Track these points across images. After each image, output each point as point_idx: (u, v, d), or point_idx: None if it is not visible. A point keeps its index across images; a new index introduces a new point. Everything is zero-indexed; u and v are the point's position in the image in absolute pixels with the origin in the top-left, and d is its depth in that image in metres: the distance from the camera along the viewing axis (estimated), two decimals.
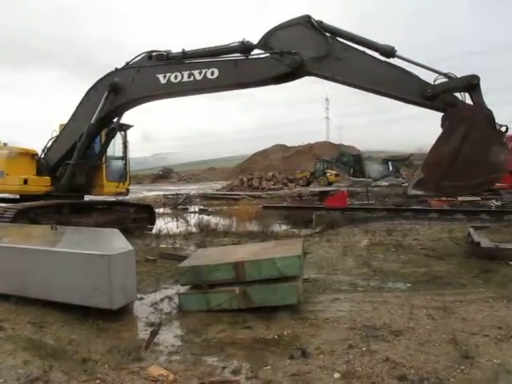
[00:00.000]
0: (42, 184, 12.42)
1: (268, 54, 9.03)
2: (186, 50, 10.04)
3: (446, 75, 7.49)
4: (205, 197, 29.74)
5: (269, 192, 31.50)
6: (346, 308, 5.72)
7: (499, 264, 7.75)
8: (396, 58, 8.04)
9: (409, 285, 6.79)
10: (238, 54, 9.46)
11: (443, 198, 17.15)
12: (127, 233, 12.49)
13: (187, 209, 24.39)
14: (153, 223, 15.14)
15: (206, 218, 21.45)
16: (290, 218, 18.75)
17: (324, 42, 8.29)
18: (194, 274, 5.84)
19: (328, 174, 42.51)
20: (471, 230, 9.74)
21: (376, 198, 24.65)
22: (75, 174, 12.08)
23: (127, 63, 10.82)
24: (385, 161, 43.35)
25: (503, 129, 6.78)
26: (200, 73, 9.50)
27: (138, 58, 10.65)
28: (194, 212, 23.50)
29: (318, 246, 10.38)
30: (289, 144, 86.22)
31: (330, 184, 40.97)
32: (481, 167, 6.64)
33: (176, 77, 9.72)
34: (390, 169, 40.89)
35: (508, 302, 5.81)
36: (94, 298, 5.38)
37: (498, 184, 20.53)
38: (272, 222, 18.71)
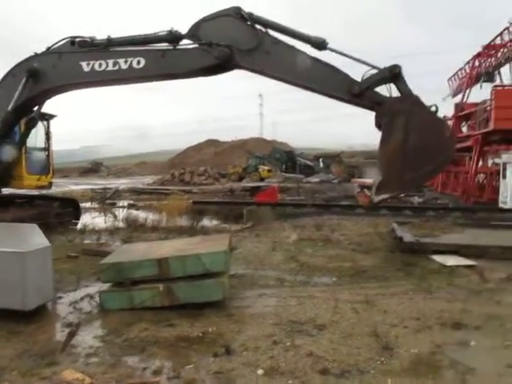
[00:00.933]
0: None
1: (197, 45, 8.74)
2: (112, 37, 9.50)
3: (374, 67, 7.57)
4: (134, 191, 28.86)
5: (200, 187, 31.16)
6: (272, 303, 5.66)
7: (420, 257, 8.06)
8: (328, 51, 8.02)
9: (334, 279, 6.87)
10: (167, 44, 9.09)
11: (368, 194, 17.78)
12: (50, 228, 11.89)
13: (115, 203, 23.51)
14: (78, 218, 14.41)
15: (134, 212, 20.87)
16: (220, 214, 18.63)
17: (254, 34, 8.13)
18: (116, 270, 5.53)
19: (260, 170, 42.75)
20: (395, 225, 10.09)
21: (306, 194, 25.17)
22: None
23: (48, 48, 10.09)
24: (316, 158, 44.30)
25: (433, 108, 6.96)
26: (125, 62, 9.02)
27: (60, 43, 9.93)
28: (123, 207, 22.69)
29: (247, 241, 10.30)
30: (222, 139, 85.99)
31: (262, 180, 41.26)
32: (433, 149, 6.70)
33: (100, 65, 9.15)
34: (321, 165, 41.88)
35: (426, 293, 6.03)
36: (6, 299, 4.95)
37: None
38: (202, 218, 18.58)
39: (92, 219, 15.61)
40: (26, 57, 10.36)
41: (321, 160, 42.47)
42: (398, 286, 6.38)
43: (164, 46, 9.04)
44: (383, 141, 6.93)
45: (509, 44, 29.26)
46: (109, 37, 9.39)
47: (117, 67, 8.94)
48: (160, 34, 9.07)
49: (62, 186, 35.13)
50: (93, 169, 77.84)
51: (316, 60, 8.02)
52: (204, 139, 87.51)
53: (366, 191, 18.69)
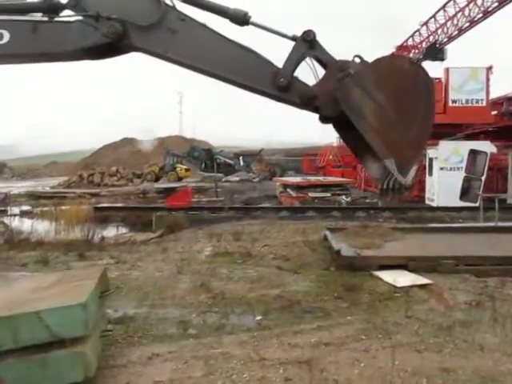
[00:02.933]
0: None
1: (80, 18, 6.38)
2: None
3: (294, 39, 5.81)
4: (33, 195, 25.33)
5: (110, 189, 28.15)
6: (166, 373, 3.70)
7: (363, 276, 6.47)
8: (251, 26, 6.04)
9: (259, 318, 5.01)
10: (41, 15, 6.64)
11: (294, 195, 16.31)
12: None
13: (6, 211, 20.13)
14: None
15: (27, 222, 17.94)
16: (128, 220, 16.21)
17: (155, 6, 6.01)
18: None
19: (178, 169, 40.35)
20: (327, 233, 8.49)
21: (226, 195, 23.32)
22: None
23: None
24: (236, 156, 42.67)
25: (357, 60, 5.35)
26: None
27: None
28: (14, 214, 19.43)
29: (150, 260, 8.20)
30: (139, 138, 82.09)
31: (180, 179, 38.89)
32: (411, 95, 5.04)
33: None
34: (241, 164, 40.28)
35: (384, 337, 4.36)
36: None
37: (345, 179, 20.66)
38: (106, 226, 16.10)
39: None
40: None
41: (241, 158, 40.82)
42: (345, 326, 4.66)
43: (38, 17, 6.68)
44: (359, 121, 5.07)
45: (419, 45, 29.82)
46: None
47: None
48: (33, 0, 6.69)
49: None
50: None
51: (233, 43, 6.06)
52: (120, 138, 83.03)
53: (290, 191, 17.29)
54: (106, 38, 6.15)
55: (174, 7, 6.16)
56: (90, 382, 3.36)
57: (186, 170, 41.44)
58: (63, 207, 16.96)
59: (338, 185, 17.08)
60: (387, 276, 6.35)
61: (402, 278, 6.19)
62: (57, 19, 6.61)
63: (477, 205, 15.56)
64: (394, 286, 5.93)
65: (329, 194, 15.84)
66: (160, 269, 7.40)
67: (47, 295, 3.67)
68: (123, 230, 15.57)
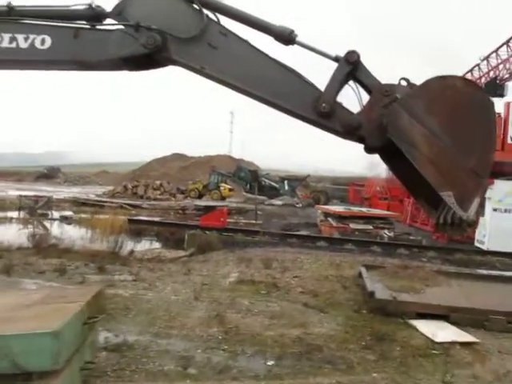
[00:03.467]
0: None
1: (121, 27, 6.14)
2: (15, 4, 6.90)
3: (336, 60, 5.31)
4: (76, 202, 25.78)
5: (152, 202, 28.28)
6: None
7: (397, 324, 5.74)
8: (296, 46, 5.56)
9: (270, 363, 4.41)
10: (84, 22, 6.47)
11: (334, 225, 15.56)
12: None
13: (47, 215, 20.50)
14: None
15: (64, 227, 18.13)
16: (161, 236, 15.97)
17: (197, 19, 5.65)
18: None
19: (222, 188, 40.29)
20: (363, 270, 7.76)
21: (266, 218, 22.79)
22: None
23: None
24: (281, 179, 42.20)
25: (404, 82, 4.75)
26: (26, 38, 6.32)
27: None
28: (54, 219, 19.73)
29: (170, 280, 7.76)
30: (189, 154, 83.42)
31: (223, 199, 38.78)
32: (466, 120, 4.42)
33: None
34: (286, 188, 39.73)
35: None
36: None
37: (389, 213, 19.64)
38: (140, 239, 15.94)
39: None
40: None
41: (286, 182, 40.27)
42: None
43: (78, 23, 6.53)
44: (410, 151, 4.45)
45: (478, 80, 28.60)
46: (9, 3, 6.83)
47: (14, 44, 6.29)
48: (77, 8, 6.55)
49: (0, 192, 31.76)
50: (49, 175, 73.75)
51: (275, 62, 5.62)
52: (170, 152, 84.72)
53: (330, 220, 16.54)
54: (145, 48, 5.84)
55: (216, 21, 5.83)
56: None
57: (230, 189, 41.31)
58: (100, 216, 17.02)
59: (382, 218, 16.15)
60: (425, 327, 5.59)
61: (442, 332, 5.41)
62: (98, 27, 6.44)
63: None
64: (432, 341, 5.18)
65: (371, 227, 14.97)
66: (177, 292, 6.94)
67: (23, 316, 3.23)
68: (156, 244, 15.35)
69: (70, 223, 18.70)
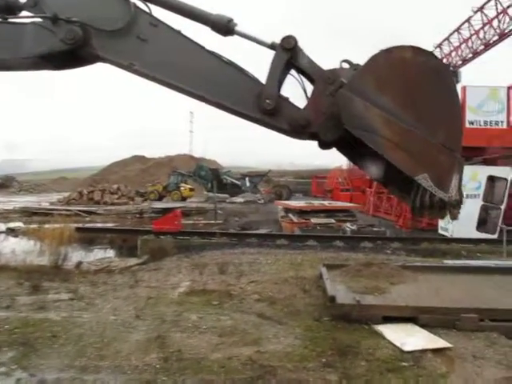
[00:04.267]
0: None
1: (36, 20, 5.23)
2: None
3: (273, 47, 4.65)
4: (27, 212, 24.32)
5: (109, 207, 27.04)
6: None
7: (362, 331, 5.15)
8: (236, 36, 4.82)
9: None
10: None
11: (295, 220, 15.00)
12: None
13: None
14: None
15: (10, 240, 16.91)
16: (115, 243, 15.02)
17: (123, 8, 4.83)
18: None
19: (182, 189, 39.31)
20: (323, 271, 7.16)
21: (227, 217, 22.08)
22: None
23: None
24: (243, 176, 41.56)
25: (346, 65, 4.17)
26: None
27: None
28: (0, 232, 18.39)
29: (112, 296, 6.94)
30: (148, 155, 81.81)
31: (184, 199, 37.84)
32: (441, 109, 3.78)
33: None
34: (247, 184, 39.11)
35: None
36: None
37: (352, 205, 19.31)
38: (91, 248, 14.95)
39: None
40: None
41: (247, 179, 39.64)
42: None
43: None
44: (372, 138, 3.77)
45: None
46: None
47: None
48: None
49: None
50: (3, 184, 70.73)
51: (211, 55, 4.85)
52: (129, 155, 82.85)
53: (291, 216, 15.98)
54: (64, 44, 4.99)
55: (144, 11, 5.04)
56: None
57: (191, 189, 40.37)
58: (48, 226, 15.89)
59: (344, 210, 15.71)
60: (392, 333, 5.02)
61: (412, 339, 4.85)
62: (11, 20, 5.54)
63: (495, 236, 14.16)
64: (401, 350, 4.60)
65: (333, 221, 14.48)
66: (118, 310, 6.13)
67: None
68: (108, 253, 14.40)
69: (16, 236, 17.46)
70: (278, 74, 4.49)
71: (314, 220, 14.41)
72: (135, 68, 5.11)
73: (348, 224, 14.01)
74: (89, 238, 15.46)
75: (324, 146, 4.53)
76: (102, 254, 14.01)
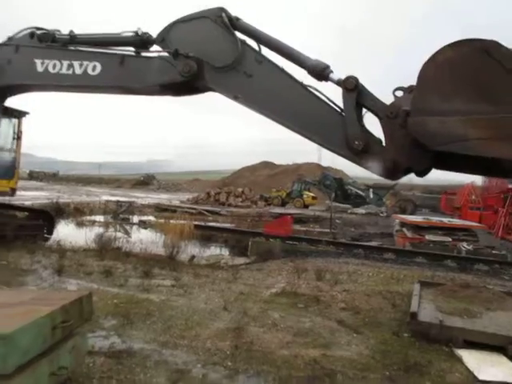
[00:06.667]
0: None
1: (162, 54, 6.25)
2: (76, 32, 7.37)
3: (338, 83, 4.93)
4: (159, 208, 26.82)
5: (232, 209, 28.57)
6: None
7: (439, 352, 4.97)
8: (330, 83, 5.24)
9: None
10: (132, 49, 6.72)
11: (409, 235, 14.44)
12: (6, 243, 9.84)
13: (128, 219, 21.52)
14: (50, 233, 12.35)
15: (142, 231, 18.92)
16: (229, 242, 15.94)
17: (232, 46, 5.54)
18: None
19: (305, 196, 39.81)
20: (416, 287, 6.95)
21: (343, 227, 21.97)
22: None
23: (10, 38, 8.19)
24: (367, 187, 40.66)
25: (399, 93, 4.22)
26: (81, 65, 6.83)
27: (21, 33, 7.99)
28: (133, 223, 20.65)
29: (208, 288, 7.52)
30: (277, 162, 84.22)
31: (306, 207, 38.28)
32: None
33: (55, 66, 7.11)
34: (371, 196, 38.17)
35: None
36: None
37: (475, 224, 17.86)
38: (208, 245, 16.06)
39: (70, 235, 13.45)
40: None
41: (371, 190, 38.68)
42: None
43: (126, 50, 6.77)
44: (465, 146, 3.81)
45: None
46: (71, 32, 7.26)
47: (71, 71, 6.80)
48: (125, 35, 6.80)
49: (99, 196, 34.15)
50: (144, 182, 78.59)
51: (309, 93, 5.33)
52: (259, 161, 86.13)
53: (405, 230, 15.39)
54: (181, 76, 5.84)
55: (252, 47, 5.62)
56: None
57: (313, 197, 40.71)
58: (172, 221, 17.43)
59: (465, 229, 14.68)
60: (472, 359, 4.76)
61: (493, 369, 4.56)
62: (143, 54, 6.56)
63: None
64: (474, 377, 4.37)
65: (449, 239, 13.62)
66: (210, 300, 6.68)
67: None
68: (223, 251, 15.34)
69: (145, 227, 19.46)
70: (353, 112, 4.73)
71: (428, 237, 13.72)
72: (239, 101, 5.72)
73: (464, 244, 13.09)
74: (206, 235, 16.62)
75: (422, 173, 4.58)
76: (216, 251, 15.03)
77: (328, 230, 19.38)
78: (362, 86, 4.73)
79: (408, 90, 4.20)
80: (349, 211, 33.81)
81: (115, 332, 5.02)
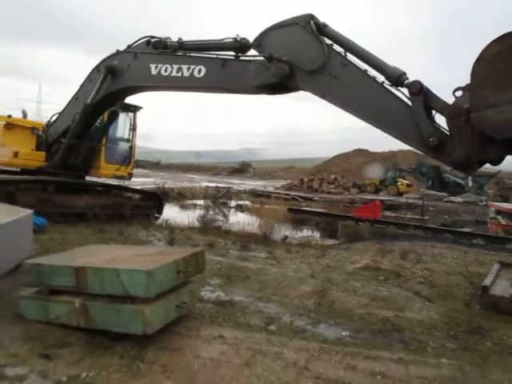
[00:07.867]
0: (34, 158, 11.80)
1: (257, 58, 7.42)
2: (184, 40, 8.84)
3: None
4: (254, 193, 28.30)
5: (325, 195, 29.25)
6: (211, 353, 3.96)
7: (506, 321, 5.43)
8: (404, 88, 6.00)
9: (344, 333, 4.78)
10: (232, 53, 7.98)
11: (503, 223, 14.22)
12: (125, 219, 11.59)
13: (226, 203, 23.17)
14: (160, 213, 14.05)
15: (238, 214, 20.31)
16: (320, 225, 16.73)
17: (320, 52, 6.51)
18: (36, 274, 4.45)
19: (399, 184, 39.20)
20: (495, 266, 7.30)
21: (436, 214, 21.76)
22: (68, 153, 11.36)
23: (129, 46, 9.89)
24: (466, 176, 38.88)
25: (459, 93, 4.75)
26: (188, 69, 8.24)
27: (139, 42, 9.69)
28: (230, 207, 22.22)
29: (299, 261, 8.46)
30: (372, 149, 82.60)
31: (400, 194, 37.77)
32: None
33: (166, 69, 8.62)
34: (470, 184, 36.59)
35: None
36: None
37: None
38: (301, 227, 16.96)
39: (176, 216, 15.12)
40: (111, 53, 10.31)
41: (469, 178, 37.02)
42: (427, 368, 4.06)
43: (226, 55, 7.99)
44: None
45: None
46: (180, 39, 8.76)
47: (180, 74, 8.26)
48: (226, 40, 8.06)
49: (198, 182, 36.60)
50: (240, 169, 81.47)
51: (390, 94, 6.10)
52: (352, 148, 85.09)
53: (499, 218, 15.09)
54: (275, 78, 6.85)
55: (337, 52, 6.44)
56: (148, 339, 3.90)
57: (408, 185, 39.96)
58: (266, 206, 18.60)
59: None
60: None
61: None
62: (242, 58, 7.71)
63: None
64: None
65: None
66: (299, 270, 7.61)
67: (136, 260, 4.40)
68: (313, 233, 16.18)
69: (242, 211, 20.89)
70: (423, 111, 5.39)
71: None
72: (326, 99, 6.63)
73: None
74: (299, 218, 17.56)
75: (496, 162, 5.17)
76: (307, 233, 15.91)
77: (418, 217, 19.41)
78: (427, 89, 5.37)
79: (466, 89, 4.74)
80: (445, 199, 32.87)
81: (220, 288, 6.12)
